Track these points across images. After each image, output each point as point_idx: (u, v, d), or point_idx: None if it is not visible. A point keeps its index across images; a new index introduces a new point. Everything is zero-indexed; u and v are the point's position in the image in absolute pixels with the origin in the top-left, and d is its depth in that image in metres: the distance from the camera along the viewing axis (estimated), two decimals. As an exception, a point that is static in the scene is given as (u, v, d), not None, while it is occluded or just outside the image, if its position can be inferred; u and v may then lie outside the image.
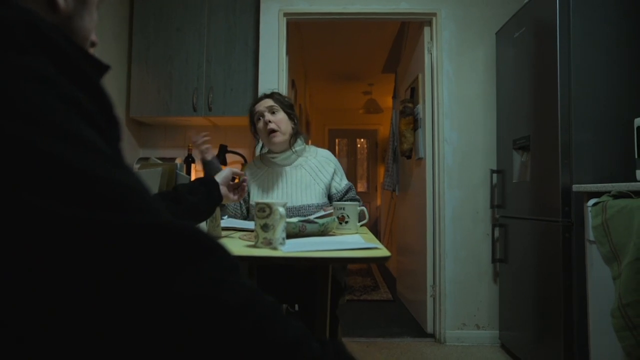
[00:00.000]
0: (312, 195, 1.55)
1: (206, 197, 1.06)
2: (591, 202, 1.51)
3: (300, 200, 1.54)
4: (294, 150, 1.57)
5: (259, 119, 1.56)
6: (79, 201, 0.31)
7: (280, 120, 1.55)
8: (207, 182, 1.09)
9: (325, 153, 1.66)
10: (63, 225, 0.30)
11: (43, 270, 0.29)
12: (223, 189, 1.13)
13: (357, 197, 1.60)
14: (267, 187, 1.59)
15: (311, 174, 1.58)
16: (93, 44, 0.52)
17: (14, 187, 0.29)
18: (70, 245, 0.30)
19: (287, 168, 1.60)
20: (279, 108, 1.56)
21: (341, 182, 1.61)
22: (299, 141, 1.61)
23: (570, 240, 1.69)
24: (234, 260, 0.37)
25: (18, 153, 0.30)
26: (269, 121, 1.53)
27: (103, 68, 0.46)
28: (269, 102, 1.57)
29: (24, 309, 0.30)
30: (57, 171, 0.31)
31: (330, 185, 1.59)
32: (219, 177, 1.14)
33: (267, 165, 1.64)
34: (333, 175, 1.59)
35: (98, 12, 0.51)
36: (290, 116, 1.59)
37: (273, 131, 1.54)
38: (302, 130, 1.70)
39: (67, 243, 0.30)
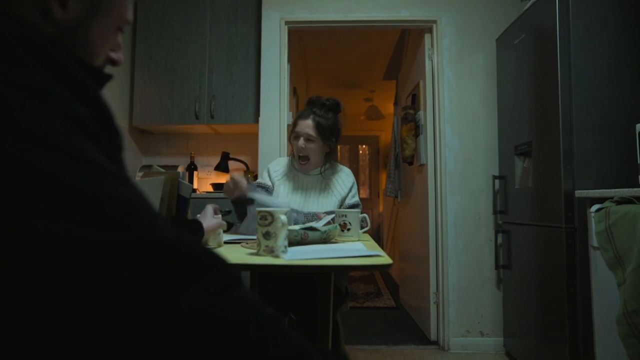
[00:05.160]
0: (327, 204, 1.61)
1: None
2: (594, 207, 1.51)
3: (315, 207, 1.59)
4: (322, 173, 1.64)
5: (296, 137, 1.61)
6: (85, 221, 0.31)
7: (311, 150, 1.59)
8: (191, 226, 1.04)
9: (347, 170, 1.74)
10: (70, 246, 0.30)
11: (51, 289, 0.30)
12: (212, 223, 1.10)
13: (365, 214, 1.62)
14: (291, 188, 1.66)
15: (331, 186, 1.66)
16: (114, 63, 0.52)
17: (17, 209, 0.30)
18: (78, 264, 0.30)
19: (312, 177, 1.69)
20: (316, 138, 1.57)
21: (352, 199, 1.66)
22: (330, 162, 1.68)
23: (574, 246, 1.68)
24: (235, 273, 0.37)
25: (21, 174, 0.30)
26: (302, 147, 1.58)
27: (105, 78, 0.46)
28: (310, 128, 1.57)
29: (34, 327, 0.30)
30: (61, 192, 0.31)
31: (344, 199, 1.65)
32: (207, 221, 1.09)
33: (292, 170, 1.71)
34: (349, 192, 1.66)
35: (120, 35, 0.52)
36: (326, 143, 1.61)
37: (303, 157, 1.60)
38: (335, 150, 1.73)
39: (73, 263, 0.30)
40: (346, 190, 1.64)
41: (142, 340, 0.31)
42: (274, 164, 1.76)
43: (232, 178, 1.48)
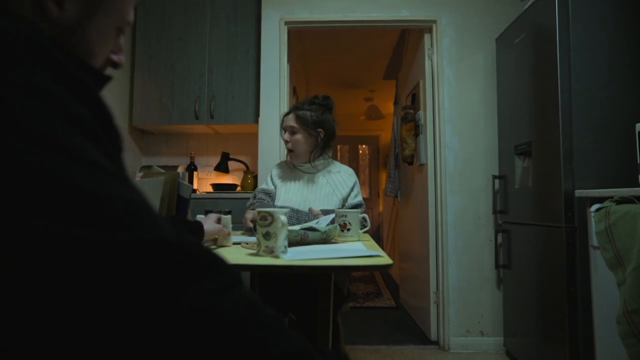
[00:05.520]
0: (329, 204, 1.60)
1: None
2: (594, 207, 1.51)
3: (316, 207, 1.58)
4: (313, 165, 1.67)
5: (284, 132, 1.68)
6: (84, 221, 0.31)
7: (297, 141, 1.64)
8: (196, 230, 1.05)
9: (348, 170, 1.74)
10: (70, 246, 0.30)
11: (51, 289, 0.30)
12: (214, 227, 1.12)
13: (364, 215, 1.61)
14: (291, 188, 1.68)
15: (331, 185, 1.66)
16: (115, 65, 0.52)
17: (17, 209, 0.30)
18: (78, 264, 0.30)
19: (311, 176, 1.69)
20: (298, 128, 1.64)
21: (355, 198, 1.66)
22: (321, 157, 1.69)
23: (574, 245, 1.68)
24: (235, 273, 0.37)
25: (21, 174, 0.30)
26: (287, 140, 1.66)
27: (104, 79, 0.46)
28: (292, 120, 1.65)
29: (34, 327, 0.30)
30: (61, 192, 0.31)
31: (346, 198, 1.65)
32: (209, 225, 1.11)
33: (291, 169, 1.74)
34: (350, 191, 1.66)
35: (122, 36, 0.51)
36: (311, 134, 1.64)
37: (289, 150, 1.67)
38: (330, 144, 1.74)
39: (73, 263, 0.30)
40: (347, 190, 1.64)
41: (143, 340, 0.31)
42: (276, 167, 1.80)
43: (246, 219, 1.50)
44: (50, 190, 0.30)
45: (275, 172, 1.76)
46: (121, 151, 0.42)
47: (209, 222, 1.11)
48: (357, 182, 1.70)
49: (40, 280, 0.30)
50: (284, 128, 1.68)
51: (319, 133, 1.65)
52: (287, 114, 1.69)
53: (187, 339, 0.31)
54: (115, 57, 0.51)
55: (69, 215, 0.30)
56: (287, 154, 1.73)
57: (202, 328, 0.32)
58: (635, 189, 1.37)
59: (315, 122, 1.64)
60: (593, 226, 1.49)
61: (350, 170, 1.73)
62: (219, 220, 1.16)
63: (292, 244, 1.08)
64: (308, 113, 1.64)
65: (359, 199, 1.66)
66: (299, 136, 1.63)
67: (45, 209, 0.30)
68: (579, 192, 1.64)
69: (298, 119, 1.63)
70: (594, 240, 1.48)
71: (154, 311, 0.31)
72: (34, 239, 0.29)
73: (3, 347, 0.30)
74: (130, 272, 0.31)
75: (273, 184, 1.72)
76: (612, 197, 1.45)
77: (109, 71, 0.52)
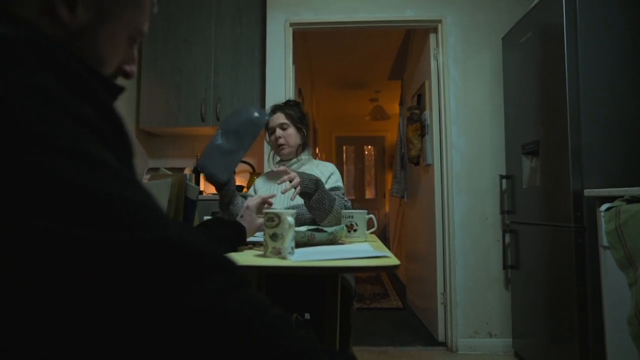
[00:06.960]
0: None
1: (229, 240, 1.05)
2: (604, 207, 1.49)
3: (296, 200, 1.57)
4: (299, 159, 1.73)
5: (272, 133, 1.73)
6: (85, 221, 0.31)
7: (289, 135, 1.71)
8: (240, 232, 1.08)
9: (328, 165, 1.77)
10: (70, 246, 0.30)
11: (51, 289, 0.30)
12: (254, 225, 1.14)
13: (344, 197, 1.61)
14: (270, 190, 1.71)
15: None
16: (126, 75, 0.52)
17: (17, 209, 0.30)
18: (78, 264, 0.30)
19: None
20: (289, 124, 1.71)
21: (334, 184, 1.66)
22: (305, 152, 1.76)
23: (583, 245, 1.66)
24: (241, 273, 0.37)
25: (21, 174, 0.30)
26: (279, 136, 1.70)
27: (116, 89, 0.46)
28: (281, 118, 1.72)
29: (34, 327, 0.30)
30: (61, 192, 0.31)
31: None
32: (249, 222, 1.13)
33: (272, 175, 1.78)
34: (328, 179, 1.68)
35: (135, 47, 0.51)
36: (300, 129, 1.73)
37: (281, 145, 1.72)
38: (310, 141, 1.82)
39: (74, 263, 0.30)
40: (325, 179, 1.65)
41: (144, 340, 0.31)
42: (259, 179, 1.84)
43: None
44: (50, 190, 0.30)
45: (258, 183, 1.81)
46: (132, 156, 0.42)
47: (248, 219, 1.12)
48: (336, 172, 1.72)
49: (40, 281, 0.30)
50: (272, 128, 1.73)
51: (303, 130, 1.74)
52: (272, 114, 1.75)
53: (189, 339, 0.31)
54: (127, 67, 0.51)
55: (69, 215, 0.30)
56: (272, 155, 1.80)
57: (204, 328, 0.31)
58: (646, 188, 1.36)
59: (300, 117, 1.74)
60: (603, 226, 1.47)
61: (330, 165, 1.77)
62: (259, 206, 1.18)
63: (299, 245, 1.08)
64: (292, 111, 1.73)
65: (338, 184, 1.67)
66: (290, 130, 1.70)
67: (45, 209, 0.30)
68: (588, 192, 1.62)
69: (287, 115, 1.72)
70: (603, 240, 1.47)
71: (155, 311, 0.31)
72: (34, 239, 0.29)
73: (3, 347, 0.30)
74: (130, 272, 0.31)
75: (255, 192, 1.76)
76: (622, 197, 1.43)
77: (120, 81, 0.51)
